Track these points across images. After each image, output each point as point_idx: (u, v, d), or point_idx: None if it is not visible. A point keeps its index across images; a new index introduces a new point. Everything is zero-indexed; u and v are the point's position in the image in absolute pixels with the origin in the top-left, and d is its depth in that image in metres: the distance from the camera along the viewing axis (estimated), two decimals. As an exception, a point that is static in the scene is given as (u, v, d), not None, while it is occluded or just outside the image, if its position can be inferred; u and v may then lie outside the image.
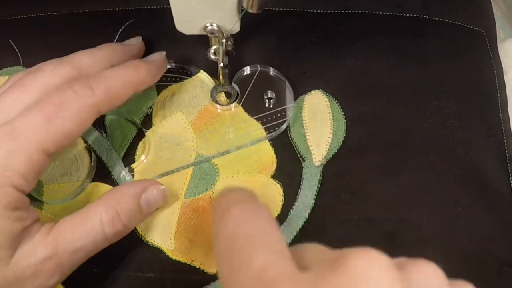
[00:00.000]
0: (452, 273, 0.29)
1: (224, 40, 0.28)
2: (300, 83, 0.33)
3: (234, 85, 0.33)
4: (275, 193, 0.30)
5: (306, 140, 0.31)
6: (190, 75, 0.34)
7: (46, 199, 0.29)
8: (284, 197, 0.30)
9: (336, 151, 0.31)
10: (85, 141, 0.31)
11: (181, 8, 0.26)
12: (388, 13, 0.37)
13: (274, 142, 0.31)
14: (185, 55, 0.34)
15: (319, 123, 0.32)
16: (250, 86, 0.33)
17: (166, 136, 0.31)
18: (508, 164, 0.32)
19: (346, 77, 0.34)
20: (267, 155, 0.31)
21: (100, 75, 0.26)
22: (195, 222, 0.29)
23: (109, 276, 0.28)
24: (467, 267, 0.29)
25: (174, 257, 0.28)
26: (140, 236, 0.28)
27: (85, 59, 0.27)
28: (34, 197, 0.29)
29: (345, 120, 0.32)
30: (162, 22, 0.35)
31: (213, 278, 0.28)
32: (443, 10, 0.37)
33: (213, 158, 0.31)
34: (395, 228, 0.29)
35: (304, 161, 0.31)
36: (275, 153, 0.31)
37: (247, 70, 0.34)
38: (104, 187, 0.30)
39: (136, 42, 0.33)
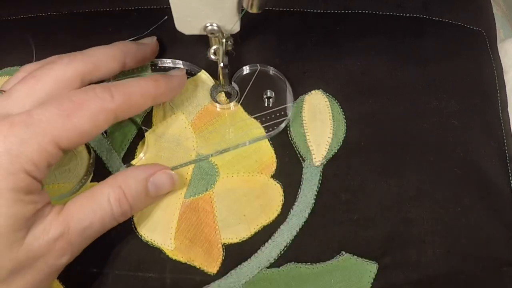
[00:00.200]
0: (452, 273, 0.29)
1: (224, 40, 0.28)
2: (300, 83, 0.33)
3: (233, 84, 0.33)
4: (275, 193, 0.30)
5: (306, 140, 0.31)
6: (192, 74, 0.34)
7: None
8: (284, 197, 0.30)
9: (336, 151, 0.31)
10: None
11: (181, 8, 0.26)
12: (388, 13, 0.37)
13: (274, 142, 0.31)
14: (185, 55, 0.34)
15: (319, 123, 0.32)
16: (249, 85, 0.33)
17: (166, 136, 0.31)
18: (508, 164, 0.32)
19: (346, 77, 0.34)
20: (267, 155, 0.31)
21: (120, 82, 0.27)
22: (195, 222, 0.29)
23: (109, 276, 0.28)
24: (467, 267, 0.29)
25: (174, 257, 0.28)
26: (140, 236, 0.28)
27: (99, 55, 0.28)
28: None
29: (345, 120, 0.32)
30: (162, 22, 0.35)
31: (213, 278, 0.28)
32: (443, 10, 0.37)
33: (211, 156, 0.31)
34: (395, 228, 0.29)
35: (304, 161, 0.31)
36: (275, 153, 0.31)
37: (246, 69, 0.34)
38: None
39: (150, 42, 0.33)
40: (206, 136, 0.31)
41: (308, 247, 0.29)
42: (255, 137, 0.31)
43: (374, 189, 0.30)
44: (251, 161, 0.31)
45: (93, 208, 0.25)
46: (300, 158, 0.31)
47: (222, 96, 0.33)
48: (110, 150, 0.31)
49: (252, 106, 0.32)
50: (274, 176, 0.30)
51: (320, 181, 0.30)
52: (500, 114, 0.34)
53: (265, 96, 0.33)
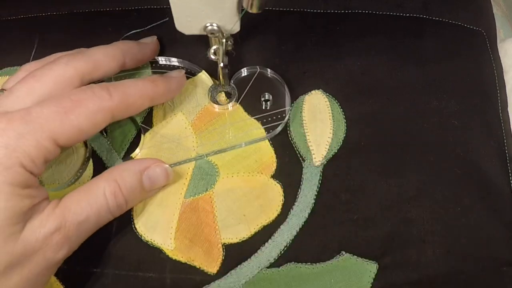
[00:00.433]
0: (452, 273, 0.29)
1: (224, 40, 0.28)
2: (300, 83, 0.33)
3: (232, 85, 0.33)
4: (275, 193, 0.30)
5: (306, 140, 0.31)
6: (192, 74, 0.34)
7: None
8: (284, 197, 0.30)
9: (336, 151, 0.31)
10: None
11: (181, 8, 0.26)
12: (388, 13, 0.37)
13: (274, 142, 0.31)
14: (185, 55, 0.34)
15: (319, 123, 0.32)
16: (248, 87, 0.33)
17: (166, 136, 0.31)
18: (508, 164, 0.32)
19: (346, 77, 0.34)
20: (267, 155, 0.31)
21: (119, 83, 0.27)
22: (195, 222, 0.29)
23: (109, 276, 0.28)
24: (467, 267, 0.29)
25: (174, 257, 0.28)
26: (140, 236, 0.28)
27: (98, 55, 0.28)
28: None
29: (345, 120, 0.32)
30: (162, 21, 0.35)
31: (213, 278, 0.28)
32: (443, 10, 0.37)
33: (206, 156, 0.31)
34: (395, 228, 0.29)
35: (304, 161, 0.31)
36: (275, 153, 0.31)
37: (244, 72, 0.34)
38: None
39: (150, 41, 0.33)
40: (206, 136, 0.31)
41: (308, 247, 0.29)
42: (251, 139, 0.31)
43: (374, 189, 0.30)
44: (251, 161, 0.31)
45: (89, 202, 0.25)
46: (300, 158, 0.31)
47: (222, 96, 0.33)
48: (110, 150, 0.31)
49: (251, 107, 0.32)
50: (274, 176, 0.30)
51: (320, 181, 0.30)
52: (500, 114, 0.34)
53: (262, 99, 0.33)
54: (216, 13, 0.26)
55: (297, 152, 0.31)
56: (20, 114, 0.23)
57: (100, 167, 0.30)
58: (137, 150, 0.31)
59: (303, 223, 0.29)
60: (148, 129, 0.32)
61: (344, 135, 0.32)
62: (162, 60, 0.34)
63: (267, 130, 0.31)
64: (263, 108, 0.32)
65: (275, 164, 0.31)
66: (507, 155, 0.32)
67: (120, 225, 0.29)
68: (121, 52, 0.29)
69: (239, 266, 0.28)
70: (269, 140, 0.32)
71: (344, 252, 0.28)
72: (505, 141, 0.33)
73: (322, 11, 0.37)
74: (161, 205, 0.29)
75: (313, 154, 0.31)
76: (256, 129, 0.32)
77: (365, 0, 0.37)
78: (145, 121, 0.32)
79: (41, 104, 0.24)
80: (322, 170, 0.31)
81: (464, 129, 0.32)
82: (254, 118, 0.32)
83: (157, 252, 0.28)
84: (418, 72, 0.34)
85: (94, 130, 0.25)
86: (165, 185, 0.29)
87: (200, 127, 0.32)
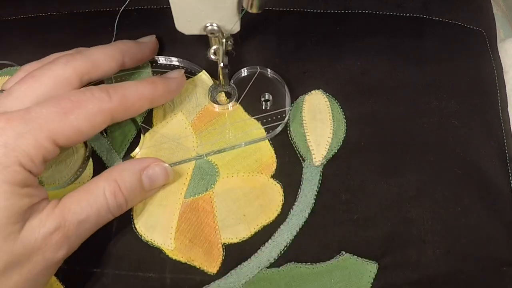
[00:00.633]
0: (452, 273, 0.29)
1: (224, 40, 0.28)
2: (300, 83, 0.33)
3: (232, 85, 0.33)
4: (275, 193, 0.30)
5: (306, 140, 0.31)
6: (192, 74, 0.34)
7: None
8: (284, 197, 0.30)
9: (336, 151, 0.31)
10: None
11: (181, 8, 0.26)
12: (388, 13, 0.37)
13: (274, 142, 0.31)
14: (185, 55, 0.34)
15: (319, 123, 0.32)
16: (248, 87, 0.33)
17: (166, 136, 0.31)
18: (508, 164, 0.32)
19: (346, 77, 0.34)
20: (267, 155, 0.31)
21: (118, 85, 0.27)
22: (195, 222, 0.29)
23: (109, 276, 0.28)
24: (467, 267, 0.29)
25: (174, 257, 0.28)
26: (140, 236, 0.28)
27: (97, 54, 0.28)
28: None
29: (345, 120, 0.32)
30: (162, 22, 0.35)
31: (213, 278, 0.28)
32: (443, 10, 0.37)
33: (205, 156, 0.31)
34: (395, 228, 0.29)
35: (304, 161, 0.31)
36: (275, 153, 0.31)
37: (244, 72, 0.34)
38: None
39: (149, 40, 0.33)
40: (206, 136, 0.31)
41: (308, 247, 0.29)
42: (251, 139, 0.31)
43: (374, 189, 0.30)
44: (251, 161, 0.31)
45: (89, 202, 0.25)
46: (300, 158, 0.31)
47: (222, 96, 0.33)
48: (110, 150, 0.31)
49: (251, 107, 0.32)
50: (274, 176, 0.30)
51: (320, 181, 0.30)
52: (500, 114, 0.34)
53: (262, 99, 0.33)
54: (216, 13, 0.26)
55: (297, 152, 0.31)
56: (20, 114, 0.23)
57: (100, 167, 0.30)
58: (137, 150, 0.31)
59: (303, 223, 0.29)
60: (148, 129, 0.32)
61: (344, 135, 0.32)
62: (162, 60, 0.34)
63: (267, 130, 0.31)
64: (263, 108, 0.32)
65: (275, 164, 0.31)
66: (507, 155, 0.32)
67: (120, 225, 0.29)
68: (120, 51, 0.29)
69: (239, 266, 0.28)
70: (269, 140, 0.32)
71: (344, 252, 0.28)
72: (505, 141, 0.33)
73: (322, 11, 0.37)
74: (161, 205, 0.29)
75: (313, 154, 0.31)
76: (256, 129, 0.32)
77: (365, 0, 0.37)
78: (145, 121, 0.32)
79: (40, 104, 0.24)
80: (322, 170, 0.31)
81: (464, 129, 0.32)
82: (254, 118, 0.32)
83: (157, 252, 0.28)
84: (418, 72, 0.34)
85: (93, 132, 0.26)
86: (165, 185, 0.29)
87: (200, 127, 0.32)
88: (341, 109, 0.33)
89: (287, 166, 0.31)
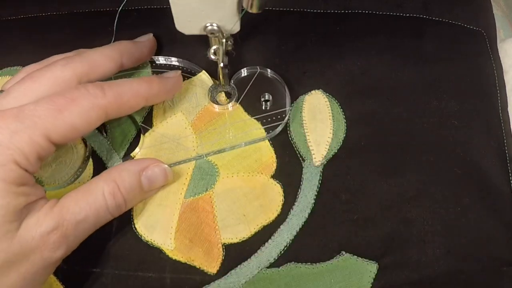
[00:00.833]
0: (452, 273, 0.29)
1: (224, 40, 0.28)
2: (300, 83, 0.33)
3: (232, 85, 0.33)
4: (275, 193, 0.30)
5: (306, 140, 0.31)
6: (192, 74, 0.34)
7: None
8: (284, 197, 0.30)
9: (336, 151, 0.31)
10: None
11: (181, 8, 0.26)
12: (388, 13, 0.37)
13: (274, 142, 0.31)
14: (184, 55, 0.34)
15: (319, 123, 0.32)
16: (248, 87, 0.33)
17: (166, 136, 0.31)
18: (508, 164, 0.32)
19: (346, 77, 0.34)
20: (267, 155, 0.31)
21: (114, 82, 0.27)
22: (195, 222, 0.29)
23: (108, 276, 0.28)
24: (467, 267, 0.29)
25: (174, 257, 0.28)
26: (140, 236, 0.28)
27: (95, 56, 0.28)
28: None
29: (345, 120, 0.32)
30: (162, 22, 0.35)
31: (213, 278, 0.28)
32: (443, 10, 0.37)
33: (205, 157, 0.31)
34: (395, 228, 0.29)
35: (304, 161, 0.31)
36: (275, 153, 0.31)
37: (244, 72, 0.34)
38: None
39: (147, 39, 0.33)
40: (206, 136, 0.31)
41: (308, 247, 0.29)
42: (251, 139, 0.31)
43: (374, 189, 0.30)
44: (251, 161, 0.31)
45: (88, 202, 0.25)
46: (300, 158, 0.31)
47: (222, 96, 0.33)
48: (110, 150, 0.31)
49: (251, 107, 0.32)
50: (274, 176, 0.30)
51: (320, 181, 0.30)
52: (500, 114, 0.34)
53: (262, 99, 0.33)
54: (216, 13, 0.26)
55: (297, 152, 0.31)
56: (13, 112, 0.23)
57: (100, 167, 0.30)
58: (137, 150, 0.31)
59: (303, 223, 0.29)
60: (148, 129, 0.32)
61: (344, 135, 0.32)
62: (162, 60, 0.34)
63: (267, 130, 0.31)
64: (263, 108, 0.32)
65: (275, 164, 0.31)
66: (507, 155, 0.32)
67: (120, 225, 0.29)
68: (118, 52, 0.29)
69: (239, 266, 0.28)
70: (269, 140, 0.32)
71: (344, 252, 0.28)
72: (505, 141, 0.33)
73: (322, 11, 0.37)
74: (161, 205, 0.29)
75: (313, 154, 0.31)
76: (256, 129, 0.32)
77: (365, 0, 0.37)
78: (145, 121, 0.32)
79: (34, 102, 0.24)
80: (322, 170, 0.31)
81: (464, 129, 0.32)
82: (254, 118, 0.32)
83: (157, 252, 0.28)
84: (418, 72, 0.34)
85: (88, 128, 0.25)
86: (165, 185, 0.29)
87: (200, 127, 0.32)
88: (341, 109, 0.33)
89: (287, 166, 0.31)
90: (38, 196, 0.24)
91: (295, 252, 0.28)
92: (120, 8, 0.36)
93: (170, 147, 0.31)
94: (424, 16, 0.37)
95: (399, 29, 0.36)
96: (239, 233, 0.29)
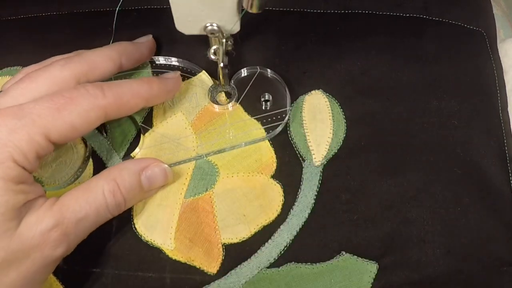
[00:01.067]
0: (452, 273, 0.29)
1: (224, 40, 0.28)
2: (300, 83, 0.33)
3: (232, 85, 0.33)
4: (275, 193, 0.30)
5: (306, 140, 0.31)
6: (192, 74, 0.34)
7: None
8: (284, 197, 0.30)
9: (336, 151, 0.31)
10: None
11: (181, 8, 0.26)
12: (388, 13, 0.37)
13: (274, 142, 0.31)
14: (184, 55, 0.34)
15: (319, 123, 0.32)
16: (248, 87, 0.33)
17: (166, 136, 0.31)
18: (508, 164, 0.32)
19: (346, 77, 0.34)
20: (267, 155, 0.31)
21: (114, 82, 0.27)
22: (195, 222, 0.29)
23: (109, 276, 0.28)
24: (467, 267, 0.29)
25: (174, 257, 0.28)
26: (140, 236, 0.28)
27: (94, 57, 0.28)
28: None
29: (345, 120, 0.32)
30: (162, 22, 0.35)
31: (213, 278, 0.28)
32: (443, 10, 0.37)
33: (205, 157, 0.31)
34: (395, 228, 0.29)
35: (304, 161, 0.31)
36: (275, 153, 0.31)
37: (244, 72, 0.34)
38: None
39: (146, 40, 0.33)
40: (206, 136, 0.31)
41: (308, 247, 0.29)
42: (251, 139, 0.31)
43: (374, 189, 0.30)
44: (251, 161, 0.31)
45: (88, 200, 0.25)
46: (300, 158, 0.31)
47: (222, 96, 0.33)
48: (110, 150, 0.31)
49: (251, 107, 0.32)
50: (274, 176, 0.30)
51: (320, 181, 0.30)
52: (500, 114, 0.34)
53: (262, 99, 0.33)
54: (216, 13, 0.26)
55: (297, 152, 0.31)
56: (13, 110, 0.23)
57: (100, 167, 0.30)
58: (137, 150, 0.31)
59: (303, 223, 0.29)
60: (148, 129, 0.32)
61: (344, 135, 0.32)
62: (162, 60, 0.34)
63: (267, 130, 0.31)
64: (263, 108, 0.32)
65: (275, 164, 0.31)
66: (507, 155, 0.32)
67: (120, 225, 0.29)
68: (117, 52, 0.29)
69: (239, 266, 0.28)
70: (269, 140, 0.32)
71: (344, 252, 0.28)
72: (505, 141, 0.33)
73: (322, 11, 0.37)
74: (161, 205, 0.29)
75: (313, 154, 0.31)
76: (256, 129, 0.32)
77: (365, 0, 0.37)
78: (145, 121, 0.32)
79: (34, 101, 0.24)
80: (322, 170, 0.31)
81: (464, 129, 0.32)
82: (254, 118, 0.32)
83: (157, 252, 0.28)
84: (418, 72, 0.34)
85: (87, 128, 0.25)
86: (165, 185, 0.29)
87: (200, 127, 0.32)
88: (341, 109, 0.33)
89: (287, 166, 0.31)
90: (37, 194, 0.24)
91: (295, 252, 0.28)
92: (117, 8, 0.36)
93: (170, 147, 0.31)
94: (424, 16, 0.37)
95: (399, 29, 0.36)
96: (239, 233, 0.29)
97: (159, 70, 0.33)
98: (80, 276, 0.28)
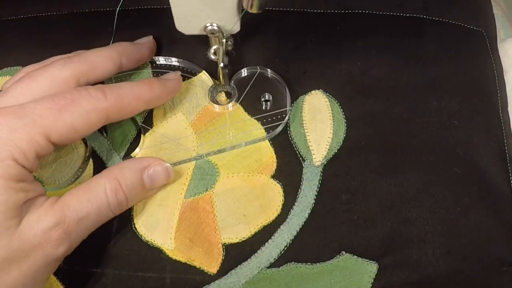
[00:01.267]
0: (452, 273, 0.29)
1: (224, 40, 0.28)
2: (300, 83, 0.33)
3: (232, 85, 0.33)
4: (275, 193, 0.30)
5: (306, 140, 0.31)
6: (192, 74, 0.34)
7: None
8: (284, 197, 0.30)
9: (336, 151, 0.31)
10: None
11: (181, 8, 0.26)
12: (388, 13, 0.37)
13: (274, 142, 0.31)
14: (185, 55, 0.34)
15: (319, 123, 0.32)
16: (248, 87, 0.33)
17: (166, 136, 0.31)
18: (508, 164, 0.32)
19: (346, 77, 0.34)
20: (267, 155, 0.31)
21: (115, 85, 0.27)
22: (195, 222, 0.29)
23: (109, 276, 0.28)
24: (467, 267, 0.29)
25: (174, 257, 0.28)
26: (140, 236, 0.28)
27: (94, 57, 0.28)
28: None
29: (345, 120, 0.32)
30: (162, 22, 0.35)
31: (213, 278, 0.28)
32: (443, 10, 0.37)
33: (205, 157, 0.31)
34: (395, 228, 0.29)
35: (304, 161, 0.31)
36: (275, 153, 0.31)
37: (244, 72, 0.34)
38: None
39: (146, 41, 0.33)
40: (207, 136, 0.31)
41: (308, 247, 0.29)
42: (252, 139, 0.31)
43: (374, 189, 0.30)
44: (251, 161, 0.31)
45: (89, 199, 0.25)
46: (300, 158, 0.31)
47: (222, 96, 0.33)
48: (110, 150, 0.31)
49: (251, 108, 0.32)
50: (274, 176, 0.30)
51: (320, 181, 0.30)
52: (500, 114, 0.34)
53: (263, 99, 0.33)
54: (216, 13, 0.26)
55: (297, 152, 0.31)
56: (13, 109, 0.24)
57: (100, 167, 0.30)
58: (137, 150, 0.31)
59: (303, 223, 0.29)
60: (148, 129, 0.32)
61: (344, 135, 0.32)
62: (162, 60, 0.34)
63: (267, 130, 0.31)
64: (263, 108, 0.32)
65: (275, 164, 0.31)
66: (507, 155, 0.32)
67: (120, 225, 0.29)
68: (117, 53, 0.29)
69: (239, 266, 0.28)
70: (269, 140, 0.32)
71: (344, 252, 0.28)
72: (505, 141, 0.33)
73: (322, 11, 0.37)
74: (161, 205, 0.29)
75: (313, 154, 0.31)
76: (256, 129, 0.32)
77: (365, 0, 0.37)
78: (145, 121, 0.32)
79: (35, 101, 0.24)
80: (322, 170, 0.31)
81: (464, 129, 0.32)
82: (254, 118, 0.32)
83: (157, 252, 0.28)
84: (418, 72, 0.34)
85: (87, 130, 0.26)
86: (165, 185, 0.29)
87: (200, 127, 0.32)
88: (341, 109, 0.33)
89: (287, 166, 0.31)
90: (38, 192, 0.24)
91: (295, 252, 0.28)
92: (118, 8, 0.36)
93: (170, 147, 0.31)
94: (424, 16, 0.37)
95: (399, 29, 0.36)
96: (239, 233, 0.29)
97: (159, 70, 0.33)
98: (80, 276, 0.28)
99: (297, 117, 0.32)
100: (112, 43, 0.34)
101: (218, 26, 0.27)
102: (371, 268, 0.28)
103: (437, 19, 0.37)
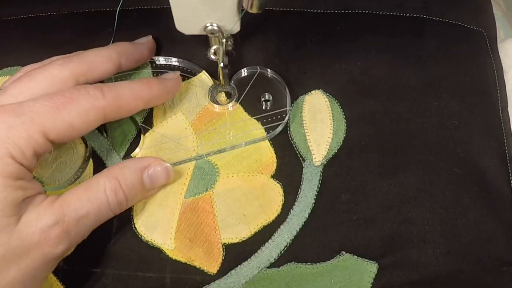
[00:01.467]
0: (452, 273, 0.29)
1: (224, 40, 0.28)
2: (300, 83, 0.33)
3: (232, 85, 0.33)
4: (275, 193, 0.30)
5: (306, 140, 0.31)
6: (192, 74, 0.34)
7: None
8: (284, 197, 0.30)
9: (336, 151, 0.31)
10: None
11: (181, 8, 0.26)
12: (388, 13, 0.37)
13: (274, 142, 0.31)
14: (185, 55, 0.34)
15: (319, 123, 0.32)
16: (248, 87, 0.33)
17: (166, 136, 0.31)
18: (508, 164, 0.32)
19: (346, 77, 0.34)
20: (267, 155, 0.31)
21: (114, 84, 0.27)
22: (195, 222, 0.29)
23: (109, 276, 0.28)
24: (467, 267, 0.29)
25: (174, 257, 0.28)
26: (140, 236, 0.28)
27: (93, 56, 0.28)
28: None
29: (345, 120, 0.32)
30: (162, 22, 0.35)
31: (213, 278, 0.28)
32: (443, 10, 0.37)
33: (205, 157, 0.31)
34: (395, 228, 0.29)
35: (304, 161, 0.31)
36: (275, 153, 0.31)
37: (244, 72, 0.34)
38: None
39: (146, 41, 0.33)
40: (207, 136, 0.31)
41: (308, 247, 0.29)
42: (252, 139, 0.31)
43: (374, 189, 0.30)
44: (251, 161, 0.31)
45: (89, 198, 0.25)
46: (300, 158, 0.31)
47: (222, 96, 0.33)
48: (110, 150, 0.31)
49: (251, 108, 0.32)
50: (274, 176, 0.30)
51: (320, 181, 0.30)
52: (500, 114, 0.34)
53: (262, 99, 0.33)
54: (216, 13, 0.26)
55: (297, 152, 0.31)
56: (12, 107, 0.24)
57: (100, 167, 0.30)
58: (137, 150, 0.31)
59: (303, 223, 0.29)
60: (148, 129, 0.32)
61: (344, 135, 0.32)
62: (162, 60, 0.34)
63: (267, 130, 0.31)
64: (263, 108, 0.32)
65: (275, 164, 0.31)
66: (507, 155, 0.32)
67: (120, 225, 0.29)
68: (116, 53, 0.29)
69: (239, 266, 0.28)
70: (269, 140, 0.32)
71: (344, 252, 0.28)
72: (505, 141, 0.33)
73: (322, 11, 0.37)
74: (161, 205, 0.29)
75: (313, 154, 0.31)
76: (256, 129, 0.32)
77: (365, 0, 0.37)
78: (145, 121, 0.32)
79: (34, 99, 0.24)
80: (322, 170, 0.31)
81: (464, 129, 0.32)
82: (254, 118, 0.32)
83: (157, 252, 0.28)
84: (418, 72, 0.34)
85: (86, 129, 0.26)
86: (165, 185, 0.29)
87: (200, 127, 0.32)
88: (341, 109, 0.33)
89: (287, 166, 0.31)
90: (36, 191, 0.24)
91: (295, 252, 0.28)
92: (118, 8, 0.36)
93: (170, 147, 0.31)
94: (425, 16, 0.37)
95: (399, 29, 0.36)
96: (239, 233, 0.29)
97: (159, 70, 0.33)
98: (80, 276, 0.28)
99: (297, 117, 0.32)
100: (112, 43, 0.34)
101: (218, 26, 0.27)
102: (371, 268, 0.28)
103: (437, 19, 0.37)
